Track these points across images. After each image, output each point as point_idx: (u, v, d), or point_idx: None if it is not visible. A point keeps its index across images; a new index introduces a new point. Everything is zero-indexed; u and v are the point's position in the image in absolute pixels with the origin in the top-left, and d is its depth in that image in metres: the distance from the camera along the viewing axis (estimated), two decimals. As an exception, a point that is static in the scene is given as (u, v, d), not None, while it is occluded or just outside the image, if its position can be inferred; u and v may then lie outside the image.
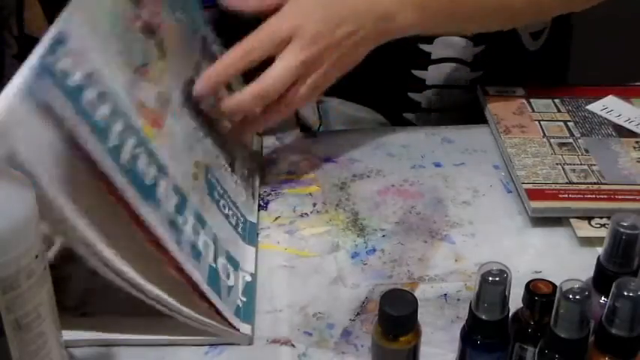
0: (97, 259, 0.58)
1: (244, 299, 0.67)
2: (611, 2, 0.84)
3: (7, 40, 0.92)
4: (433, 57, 0.93)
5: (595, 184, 0.78)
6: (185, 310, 0.62)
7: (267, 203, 0.79)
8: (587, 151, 0.83)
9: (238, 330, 0.64)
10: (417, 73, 0.94)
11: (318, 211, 0.78)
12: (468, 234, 0.76)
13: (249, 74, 0.76)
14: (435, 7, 0.79)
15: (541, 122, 0.87)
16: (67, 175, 0.54)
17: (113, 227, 0.58)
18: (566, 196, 0.76)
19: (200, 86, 0.74)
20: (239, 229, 0.73)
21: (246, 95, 0.74)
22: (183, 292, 0.61)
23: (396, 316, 0.54)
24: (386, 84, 0.91)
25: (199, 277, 0.62)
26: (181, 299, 0.61)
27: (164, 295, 0.61)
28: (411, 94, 0.95)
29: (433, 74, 0.94)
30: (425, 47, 0.93)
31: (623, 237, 0.55)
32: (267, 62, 0.74)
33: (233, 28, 1.04)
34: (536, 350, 0.54)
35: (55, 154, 0.53)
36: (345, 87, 0.94)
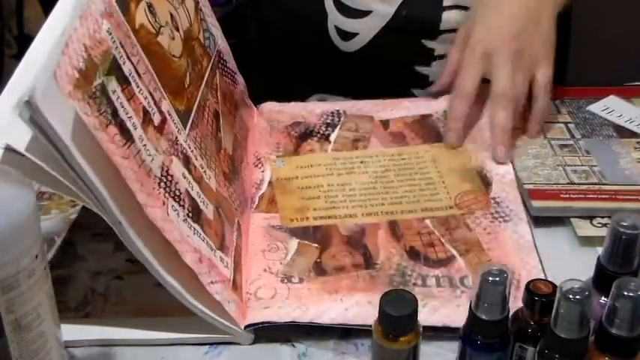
0: (122, 237, 0.58)
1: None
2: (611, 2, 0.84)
3: (7, 40, 0.93)
4: (436, 53, 0.93)
5: (596, 184, 0.78)
6: (198, 303, 0.62)
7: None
8: (588, 152, 0.83)
9: (241, 329, 0.64)
10: (420, 69, 0.94)
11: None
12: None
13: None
14: None
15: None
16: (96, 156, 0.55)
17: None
18: (568, 195, 0.76)
19: (452, 139, 0.84)
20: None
21: (498, 107, 0.81)
22: (195, 285, 0.61)
23: (396, 316, 0.54)
24: (389, 80, 0.91)
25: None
26: (194, 293, 0.61)
27: (179, 287, 0.61)
28: (414, 90, 0.95)
29: (436, 70, 0.94)
30: (428, 43, 0.93)
31: (623, 237, 0.55)
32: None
33: (242, 26, 1.05)
34: (536, 350, 0.54)
35: (84, 129, 0.54)
36: (348, 84, 0.94)
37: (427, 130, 0.86)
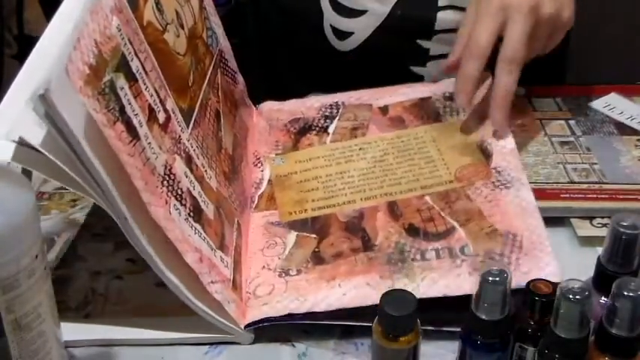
0: (127, 233, 0.58)
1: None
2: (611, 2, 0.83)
3: (7, 40, 0.93)
4: (432, 53, 0.93)
5: (596, 183, 0.78)
6: (198, 303, 0.62)
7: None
8: (588, 149, 0.83)
9: (241, 328, 0.64)
10: (415, 69, 0.94)
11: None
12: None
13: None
14: None
15: (542, 121, 0.87)
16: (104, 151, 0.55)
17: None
18: (568, 195, 0.76)
19: (461, 101, 0.77)
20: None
21: (503, 71, 0.76)
22: (196, 285, 0.61)
23: (396, 316, 0.54)
24: (384, 81, 0.92)
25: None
26: (195, 292, 0.61)
27: (181, 286, 0.61)
28: None
29: (431, 71, 0.93)
30: (423, 43, 0.93)
31: (623, 237, 0.55)
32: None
33: (242, 25, 1.05)
34: (536, 350, 0.54)
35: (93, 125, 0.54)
36: (343, 83, 0.94)
37: (426, 111, 0.85)
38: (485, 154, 0.78)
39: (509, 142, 0.79)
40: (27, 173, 0.57)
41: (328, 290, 0.65)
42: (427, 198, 0.74)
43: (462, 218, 0.71)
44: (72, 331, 0.62)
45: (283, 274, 0.68)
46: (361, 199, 0.75)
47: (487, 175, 0.75)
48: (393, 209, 0.73)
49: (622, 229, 0.55)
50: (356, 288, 0.65)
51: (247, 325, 0.64)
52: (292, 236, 0.72)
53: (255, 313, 0.65)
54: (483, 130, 0.80)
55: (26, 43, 0.87)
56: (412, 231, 0.70)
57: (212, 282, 0.62)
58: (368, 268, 0.67)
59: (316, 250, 0.70)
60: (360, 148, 0.81)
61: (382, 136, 0.83)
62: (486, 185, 0.74)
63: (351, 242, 0.70)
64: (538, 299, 0.55)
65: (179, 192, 0.62)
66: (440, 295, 0.63)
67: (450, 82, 0.88)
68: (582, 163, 0.81)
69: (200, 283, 0.61)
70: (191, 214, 0.63)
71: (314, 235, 0.72)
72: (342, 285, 0.66)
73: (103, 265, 0.71)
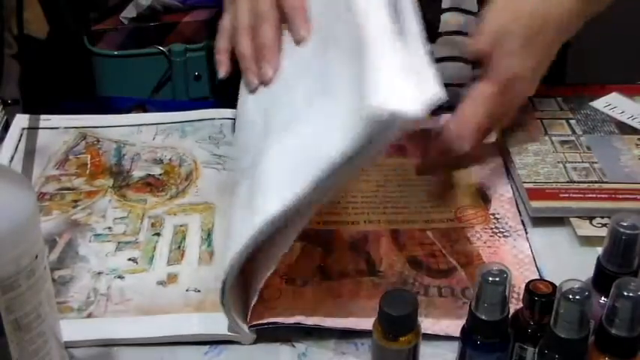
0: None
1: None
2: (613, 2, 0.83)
3: (7, 40, 0.93)
4: (435, 56, 0.93)
5: (596, 182, 0.78)
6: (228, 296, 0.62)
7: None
8: (589, 148, 0.82)
9: (244, 329, 0.64)
10: None
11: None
12: (469, 233, 0.76)
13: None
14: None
15: (543, 120, 0.87)
16: None
17: None
18: (567, 195, 0.76)
19: (459, 143, 0.74)
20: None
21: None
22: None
23: (396, 316, 0.54)
24: None
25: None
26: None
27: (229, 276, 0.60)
28: None
29: (436, 73, 0.93)
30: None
31: (623, 237, 0.55)
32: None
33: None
34: (536, 350, 0.54)
35: None
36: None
37: (426, 143, 0.86)
38: (485, 199, 0.79)
39: (507, 191, 0.79)
40: (27, 173, 0.57)
41: (334, 306, 0.66)
42: (429, 233, 0.74)
43: (462, 260, 0.71)
44: (73, 331, 0.62)
45: (290, 282, 0.68)
46: (364, 222, 0.75)
47: (486, 220, 0.76)
48: (397, 238, 0.74)
49: (622, 229, 0.55)
50: (362, 310, 0.65)
51: (251, 325, 0.64)
52: (298, 245, 0.72)
53: (262, 316, 0.65)
54: (481, 173, 0.81)
55: (26, 43, 0.87)
56: (415, 264, 0.71)
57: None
58: (374, 293, 0.67)
59: (322, 264, 0.70)
60: (363, 169, 0.82)
61: (385, 161, 0.83)
62: (485, 230, 0.75)
63: (356, 263, 0.71)
64: (538, 299, 0.55)
65: None
66: (442, 334, 0.64)
67: (447, 117, 0.88)
68: (582, 162, 0.81)
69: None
70: None
71: (319, 248, 0.72)
72: (349, 304, 0.66)
73: (104, 265, 0.71)
